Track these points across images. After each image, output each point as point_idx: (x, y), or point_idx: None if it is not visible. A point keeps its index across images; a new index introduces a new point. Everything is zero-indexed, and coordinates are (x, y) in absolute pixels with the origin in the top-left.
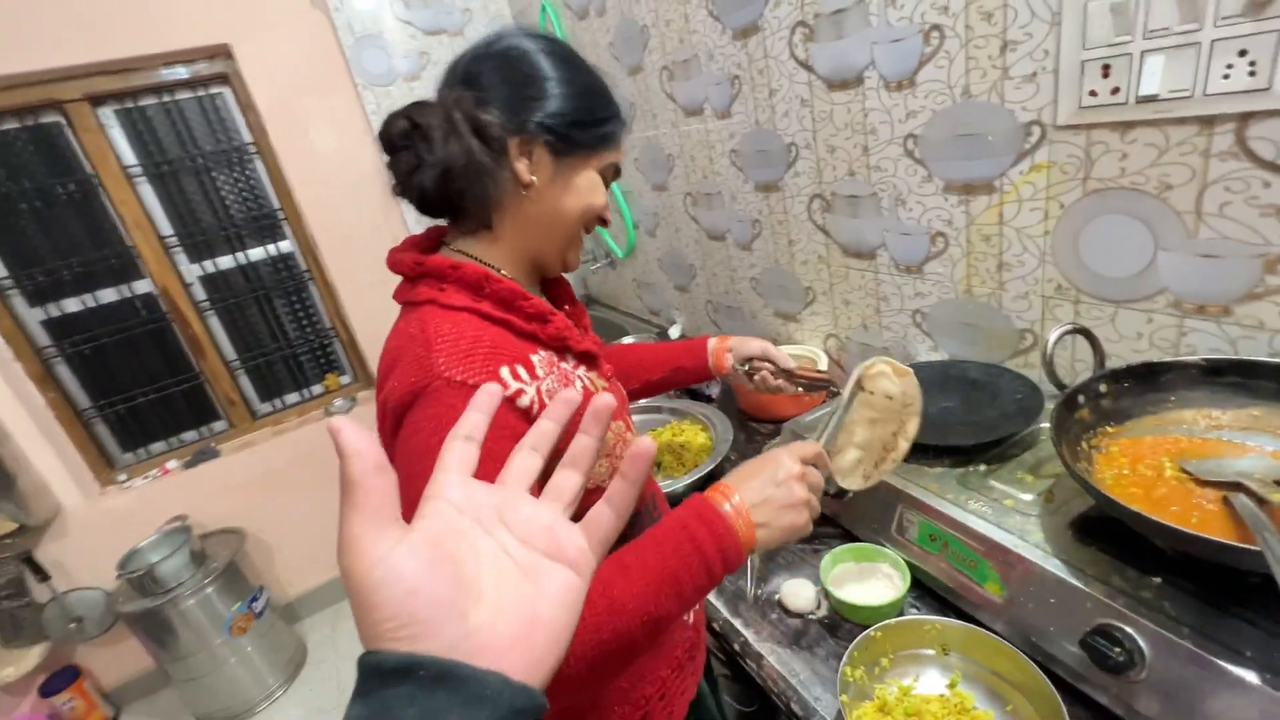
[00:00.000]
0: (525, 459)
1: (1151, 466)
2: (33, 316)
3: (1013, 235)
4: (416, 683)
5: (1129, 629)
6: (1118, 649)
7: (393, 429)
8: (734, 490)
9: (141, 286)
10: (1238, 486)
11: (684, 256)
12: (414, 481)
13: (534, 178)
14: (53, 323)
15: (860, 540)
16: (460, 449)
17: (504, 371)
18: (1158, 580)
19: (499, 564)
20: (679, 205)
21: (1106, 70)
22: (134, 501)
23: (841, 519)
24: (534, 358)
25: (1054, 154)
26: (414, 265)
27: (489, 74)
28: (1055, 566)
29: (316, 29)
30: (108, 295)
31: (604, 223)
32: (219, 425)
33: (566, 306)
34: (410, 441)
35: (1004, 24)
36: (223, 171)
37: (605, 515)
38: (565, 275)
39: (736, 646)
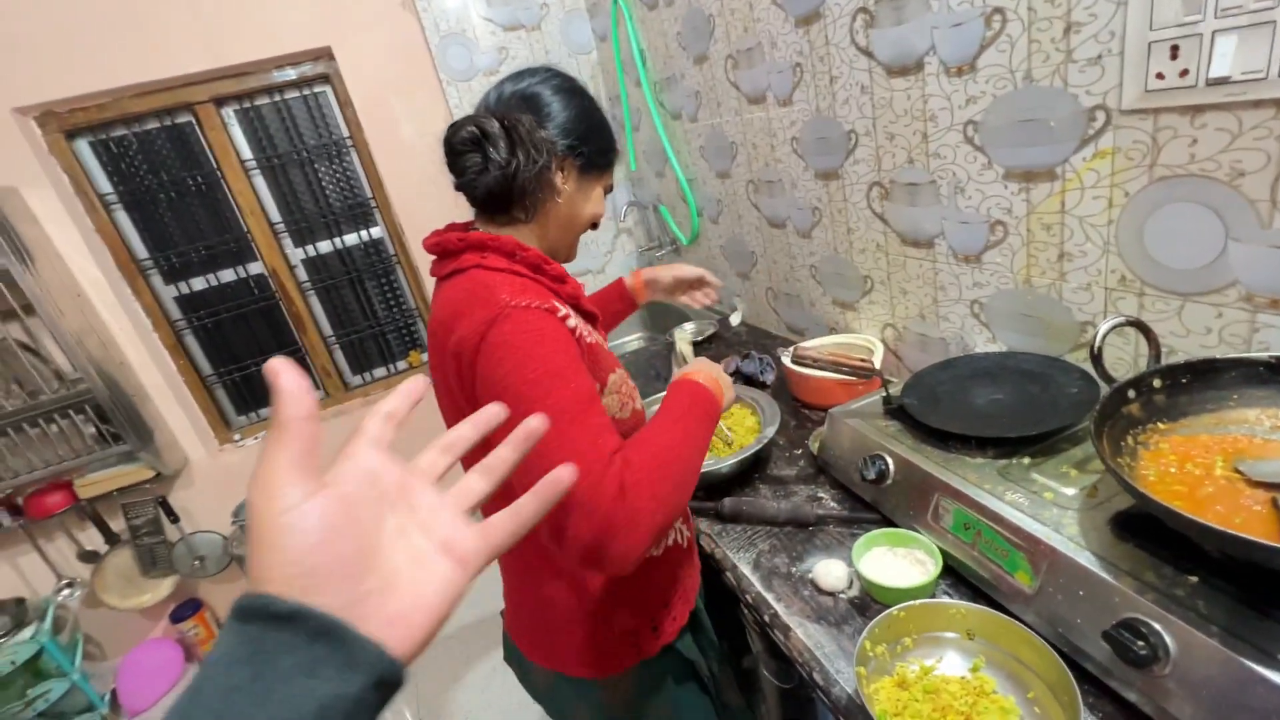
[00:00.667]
0: (436, 455)
1: (1201, 465)
2: (167, 293)
3: (1074, 224)
4: (300, 633)
5: (1155, 624)
6: (1141, 643)
7: (471, 362)
8: (696, 374)
9: (255, 268)
10: None
11: (745, 244)
12: (532, 383)
13: (565, 188)
14: (183, 299)
15: (897, 526)
16: (380, 424)
17: (554, 301)
18: (1194, 579)
19: (396, 541)
20: (742, 192)
21: (1175, 52)
22: (247, 458)
23: (881, 506)
24: (561, 306)
25: (1119, 140)
26: (459, 241)
27: (547, 103)
28: (1087, 560)
29: (406, 29)
30: (227, 275)
31: (595, 226)
32: (317, 394)
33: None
34: (504, 357)
35: (1068, 5)
36: (323, 163)
37: (505, 523)
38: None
39: (767, 618)
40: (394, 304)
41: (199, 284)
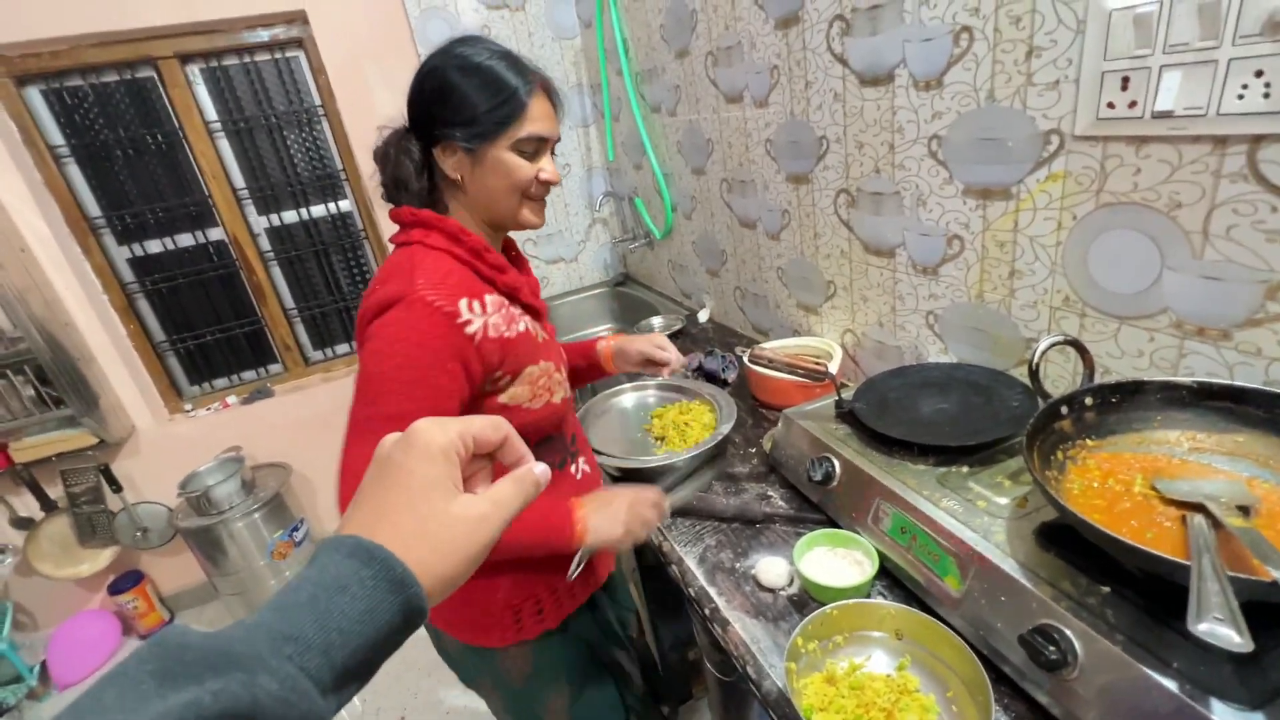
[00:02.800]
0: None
1: (1122, 482)
2: (120, 254)
3: (1026, 243)
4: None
5: (1066, 630)
6: (1052, 648)
7: (362, 327)
8: (583, 505)
9: (215, 234)
10: (1199, 508)
11: (717, 241)
12: (374, 369)
13: (459, 175)
14: (137, 261)
15: (839, 527)
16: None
17: (461, 303)
18: (1106, 589)
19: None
20: (715, 190)
21: (1126, 83)
22: (197, 430)
23: (826, 507)
24: (488, 297)
25: (1070, 164)
26: (410, 215)
27: (412, 103)
28: (1010, 567)
29: None
30: (185, 239)
31: (550, 184)
32: (275, 368)
33: (526, 275)
34: (381, 332)
35: (1031, 29)
36: (293, 131)
37: (510, 491)
38: (525, 256)
39: (707, 611)
40: (360, 279)
41: (154, 247)
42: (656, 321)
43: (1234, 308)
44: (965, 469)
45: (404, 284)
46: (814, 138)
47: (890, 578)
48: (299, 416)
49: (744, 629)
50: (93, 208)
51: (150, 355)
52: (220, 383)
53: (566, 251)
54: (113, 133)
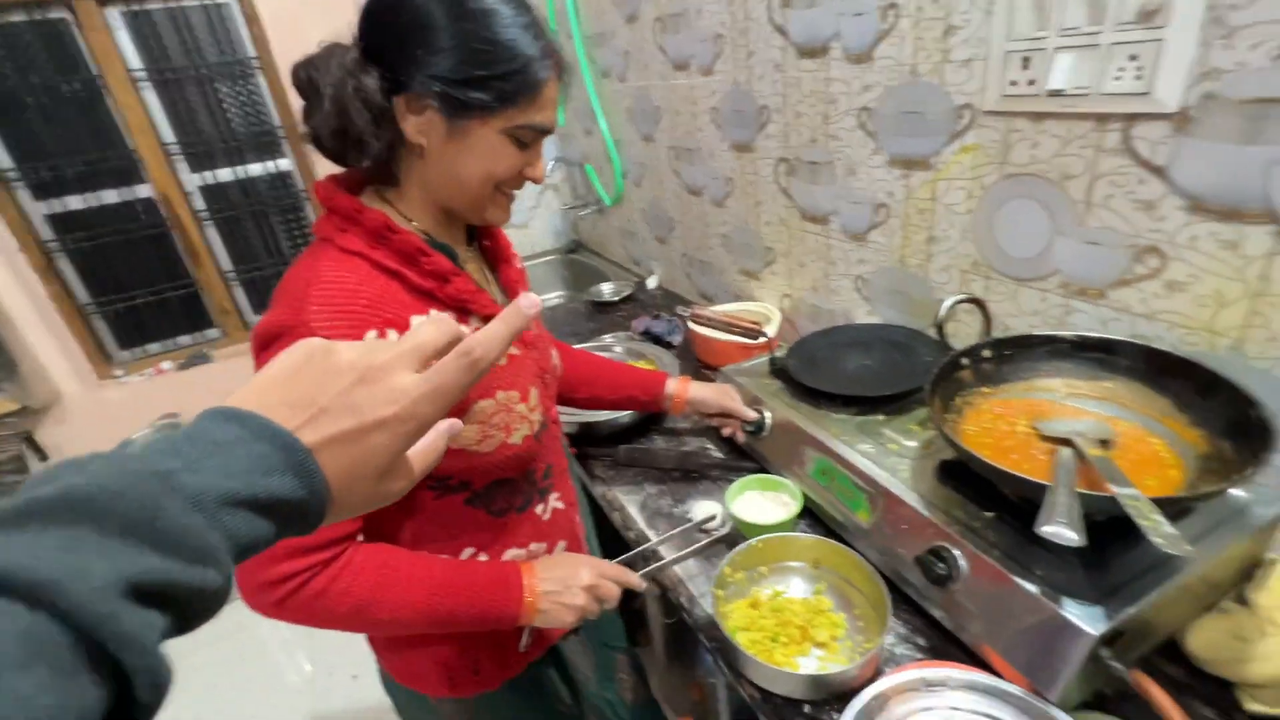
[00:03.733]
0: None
1: (1009, 423)
2: (36, 210)
3: (942, 211)
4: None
5: (954, 549)
6: (941, 564)
7: (257, 351)
8: (537, 576)
9: (143, 191)
10: (1067, 442)
11: (665, 209)
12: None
13: (425, 140)
14: (56, 218)
15: (770, 473)
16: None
17: (370, 335)
18: (990, 515)
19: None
20: (664, 158)
21: (1027, 62)
22: (129, 396)
23: (759, 455)
24: (415, 319)
25: (981, 137)
26: (327, 199)
27: (375, 26)
28: (912, 499)
29: None
30: (110, 196)
31: (531, 181)
32: (213, 333)
33: (502, 266)
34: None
35: (949, 8)
36: (225, 84)
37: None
38: (505, 232)
39: (646, 551)
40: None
41: (75, 203)
42: (607, 288)
43: (1109, 270)
44: (882, 417)
45: (293, 309)
46: (756, 107)
47: (813, 516)
48: (239, 382)
49: (680, 566)
50: (3, 159)
51: (75, 318)
52: (154, 348)
53: (517, 218)
54: (21, 78)
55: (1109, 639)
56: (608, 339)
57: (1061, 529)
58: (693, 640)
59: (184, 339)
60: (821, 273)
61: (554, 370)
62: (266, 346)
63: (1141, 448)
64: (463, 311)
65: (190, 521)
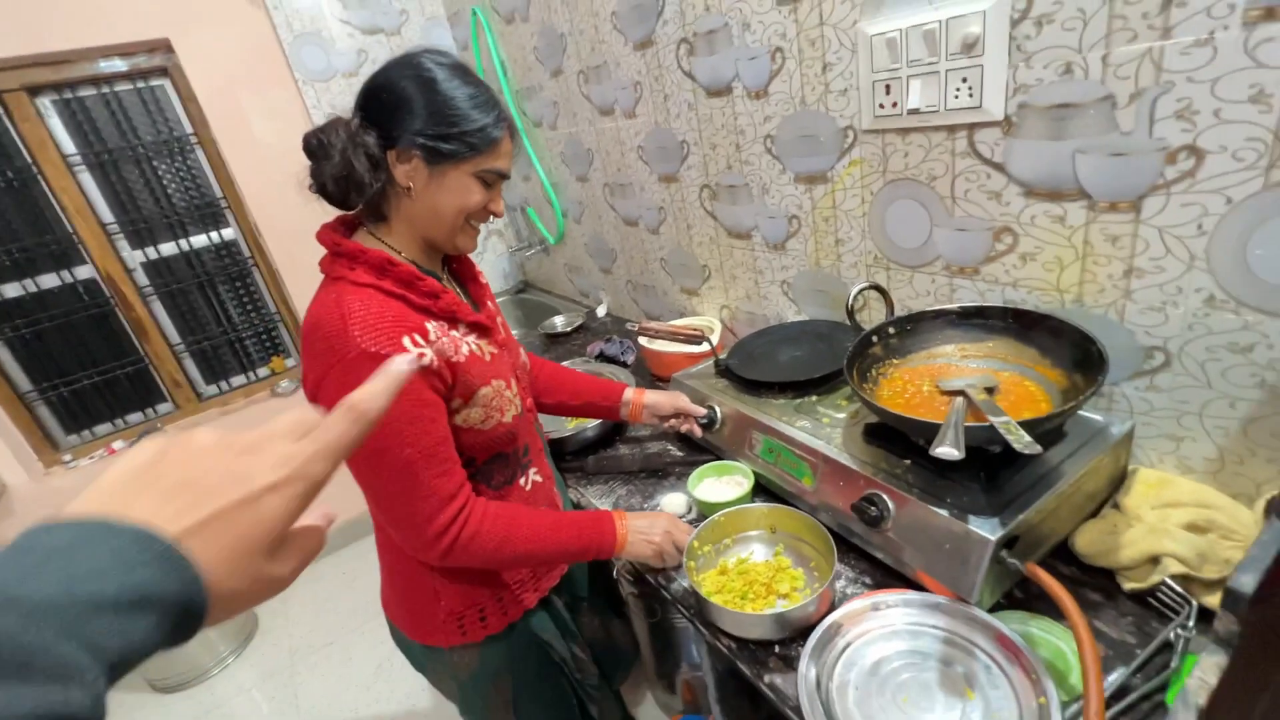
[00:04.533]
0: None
1: (916, 385)
2: None
3: (843, 217)
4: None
5: (882, 494)
6: (873, 508)
7: (312, 398)
8: (626, 519)
9: (83, 272)
10: (960, 393)
11: (606, 241)
12: (373, 441)
13: (411, 183)
14: None
15: (723, 460)
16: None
17: (406, 340)
18: (908, 462)
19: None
20: (600, 195)
21: (888, 89)
22: (80, 481)
23: (713, 446)
24: (429, 325)
25: (864, 152)
26: (333, 244)
27: (372, 101)
28: (845, 459)
29: (255, 25)
30: (49, 280)
31: (492, 215)
32: (165, 407)
33: (470, 284)
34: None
35: (823, 49)
36: (163, 161)
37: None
38: (470, 258)
39: None
40: (251, 308)
41: (12, 291)
42: (559, 320)
43: (978, 250)
44: (814, 398)
45: (338, 340)
46: (676, 142)
47: (766, 492)
48: None
49: None
50: None
51: (16, 406)
52: (103, 428)
53: None
54: None
55: (1006, 542)
56: (565, 365)
57: (948, 449)
58: (676, 638)
59: (134, 416)
60: (752, 282)
61: (524, 366)
62: (326, 374)
63: (1020, 390)
64: (452, 320)
65: (33, 639)
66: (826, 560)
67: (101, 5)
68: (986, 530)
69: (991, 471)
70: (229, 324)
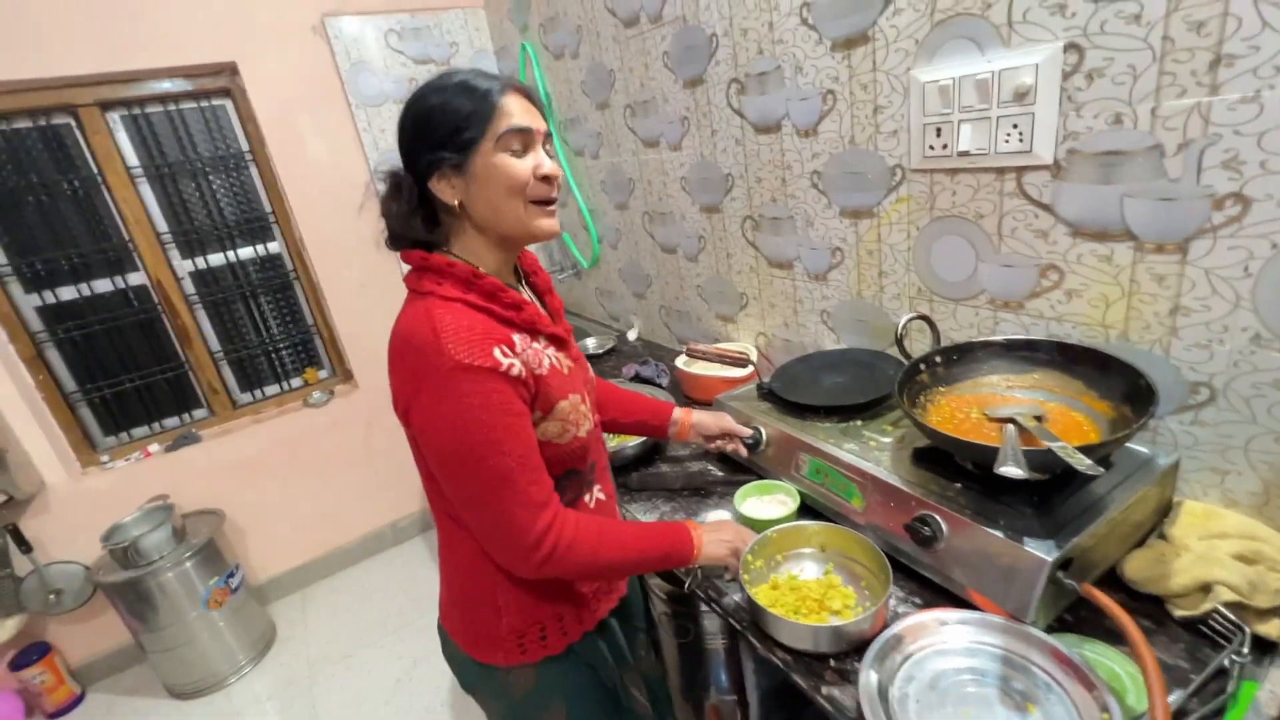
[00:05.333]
0: None
1: (963, 412)
2: (28, 302)
3: (888, 250)
4: None
5: (935, 515)
6: (926, 529)
7: (405, 411)
8: (699, 528)
9: (135, 279)
10: (1010, 420)
11: (642, 267)
12: (468, 450)
13: (459, 197)
14: (48, 309)
15: (766, 479)
16: None
17: (496, 351)
18: (959, 485)
19: None
20: (638, 222)
21: (939, 132)
22: (116, 481)
23: (756, 467)
24: (514, 337)
25: (911, 189)
26: (420, 260)
27: (401, 146)
28: (895, 481)
29: (317, 53)
30: (102, 285)
31: (551, 179)
32: (200, 412)
33: (546, 296)
34: (442, 426)
35: (875, 93)
36: (219, 175)
37: None
38: (545, 270)
39: None
40: (290, 320)
41: (68, 294)
42: (591, 342)
43: (1023, 285)
44: (859, 422)
45: (432, 353)
46: (721, 175)
47: (811, 512)
48: (229, 460)
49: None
50: None
51: (60, 406)
52: (140, 431)
53: None
54: (23, 178)
55: (1062, 564)
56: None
57: (1012, 468)
58: (706, 660)
59: (170, 420)
60: (791, 310)
61: (592, 382)
62: (421, 386)
63: (1066, 420)
64: (533, 332)
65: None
66: (879, 578)
67: (175, 29)
68: (1043, 551)
69: (1044, 496)
70: (267, 334)
